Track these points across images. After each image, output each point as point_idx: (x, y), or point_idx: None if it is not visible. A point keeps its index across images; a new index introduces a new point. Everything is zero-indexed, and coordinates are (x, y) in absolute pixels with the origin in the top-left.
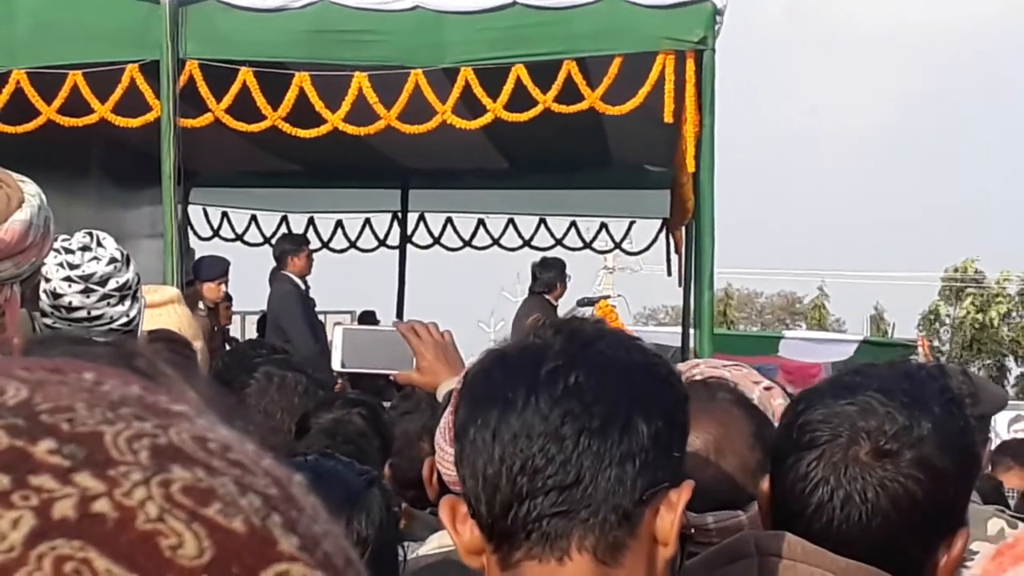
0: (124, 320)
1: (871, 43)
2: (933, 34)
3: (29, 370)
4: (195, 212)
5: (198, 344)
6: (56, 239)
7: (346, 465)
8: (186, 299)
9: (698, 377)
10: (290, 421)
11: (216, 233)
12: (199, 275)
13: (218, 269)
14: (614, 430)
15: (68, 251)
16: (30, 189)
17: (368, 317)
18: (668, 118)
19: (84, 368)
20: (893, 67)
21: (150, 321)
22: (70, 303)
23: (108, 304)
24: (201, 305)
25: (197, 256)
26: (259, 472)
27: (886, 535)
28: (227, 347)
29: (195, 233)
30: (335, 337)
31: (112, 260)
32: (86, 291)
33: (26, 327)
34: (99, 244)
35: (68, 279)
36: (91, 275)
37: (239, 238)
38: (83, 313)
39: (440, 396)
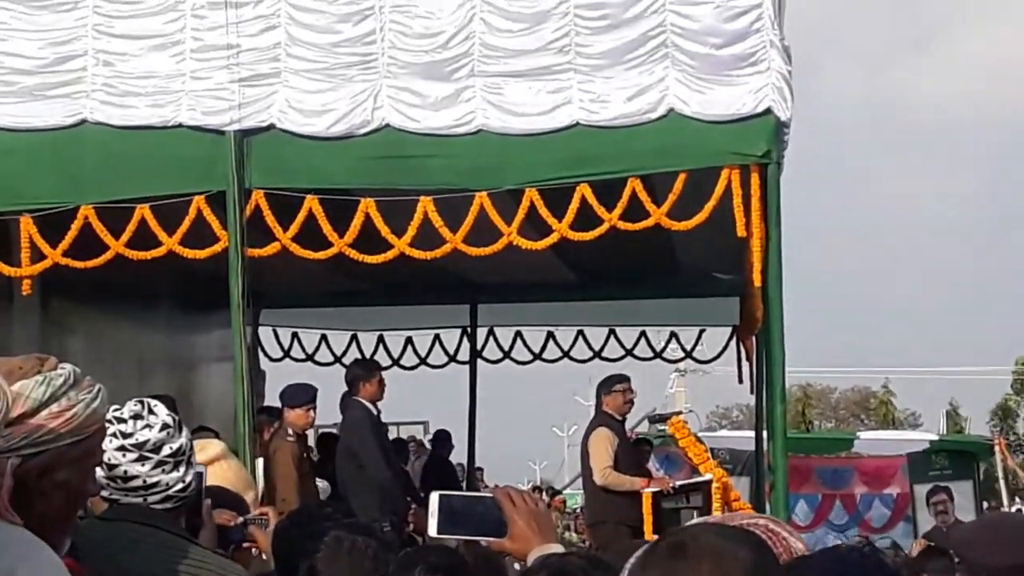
0: (180, 486)
1: (946, 132)
2: (1004, 125)
3: None
4: (265, 333)
5: (249, 496)
6: (107, 409)
7: None
8: (270, 426)
9: None
10: None
11: (287, 354)
12: (285, 402)
13: (305, 396)
14: None
15: (120, 420)
16: (56, 370)
17: (442, 436)
18: (741, 232)
19: None
20: (965, 157)
21: None
22: (125, 472)
23: (163, 471)
24: (290, 431)
25: (267, 377)
26: None
27: None
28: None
29: (265, 354)
30: (431, 503)
31: (165, 426)
32: (140, 459)
33: None
34: (151, 411)
35: (122, 448)
36: (144, 443)
37: (310, 358)
38: (139, 482)
39: (530, 562)
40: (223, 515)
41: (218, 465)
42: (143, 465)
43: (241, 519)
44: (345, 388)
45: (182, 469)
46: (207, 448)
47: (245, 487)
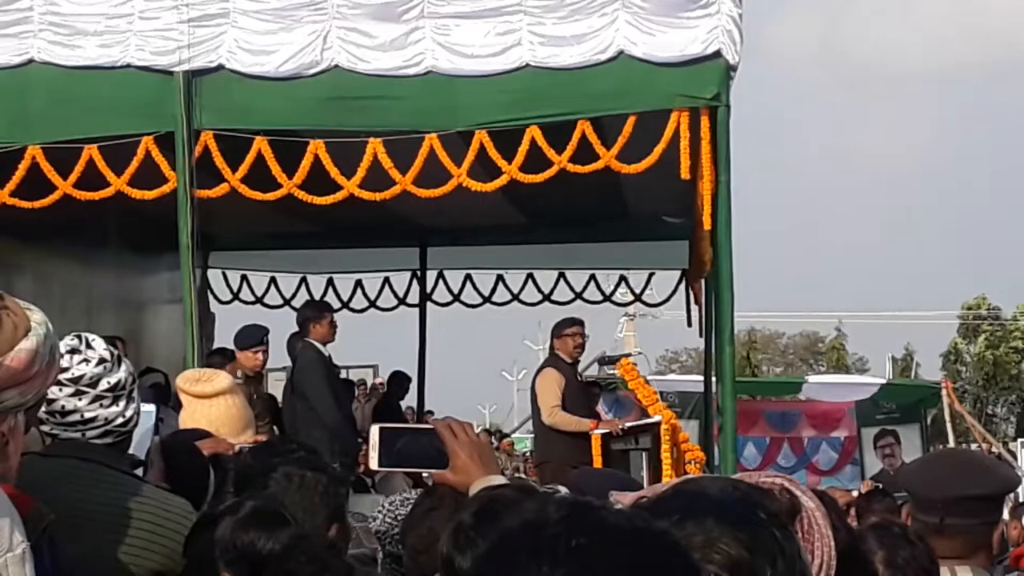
0: (120, 421)
1: (893, 86)
2: (952, 79)
3: None
4: (215, 276)
5: (246, 435)
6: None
7: None
8: (219, 367)
9: None
10: (311, 522)
11: (236, 296)
12: (236, 344)
13: (254, 338)
14: None
15: None
16: (36, 317)
17: (399, 378)
18: (685, 174)
19: None
20: (913, 110)
21: (200, 413)
22: (63, 407)
23: (101, 405)
24: (240, 373)
25: (216, 319)
26: None
27: None
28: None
29: (215, 297)
30: (371, 436)
31: (101, 360)
32: (77, 393)
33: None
34: (88, 346)
35: (58, 383)
36: (80, 377)
37: (259, 300)
38: (76, 416)
39: (471, 494)
40: (221, 443)
41: (223, 399)
42: (80, 399)
43: (238, 447)
44: (292, 330)
45: (121, 404)
46: (215, 379)
47: (246, 424)
